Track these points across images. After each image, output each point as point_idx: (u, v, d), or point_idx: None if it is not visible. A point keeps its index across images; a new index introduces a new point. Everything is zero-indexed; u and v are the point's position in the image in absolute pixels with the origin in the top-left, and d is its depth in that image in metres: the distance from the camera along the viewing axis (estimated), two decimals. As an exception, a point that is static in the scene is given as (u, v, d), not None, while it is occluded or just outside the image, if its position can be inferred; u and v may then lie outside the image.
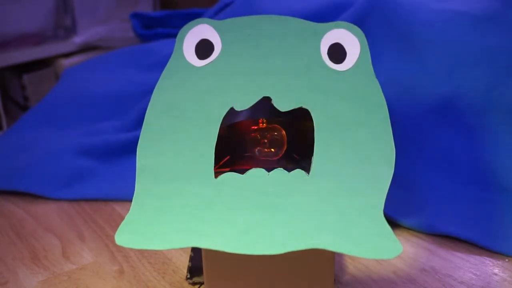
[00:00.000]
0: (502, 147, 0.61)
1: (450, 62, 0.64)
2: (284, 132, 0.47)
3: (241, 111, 0.43)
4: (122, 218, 0.39)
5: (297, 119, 0.46)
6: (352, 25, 0.43)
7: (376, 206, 0.38)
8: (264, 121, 0.48)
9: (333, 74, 0.42)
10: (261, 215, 0.38)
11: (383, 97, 0.42)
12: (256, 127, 0.45)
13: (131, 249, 0.54)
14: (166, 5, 1.23)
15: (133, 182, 0.40)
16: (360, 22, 0.69)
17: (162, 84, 0.43)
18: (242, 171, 0.41)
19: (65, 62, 1.05)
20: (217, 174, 0.41)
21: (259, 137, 0.44)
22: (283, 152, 0.47)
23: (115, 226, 0.58)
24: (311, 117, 0.42)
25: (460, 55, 0.64)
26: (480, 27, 0.64)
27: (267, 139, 0.48)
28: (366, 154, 0.40)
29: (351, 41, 0.43)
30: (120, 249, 0.55)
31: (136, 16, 1.03)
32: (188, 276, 0.49)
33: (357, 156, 0.40)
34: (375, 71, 0.43)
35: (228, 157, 0.45)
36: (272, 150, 0.48)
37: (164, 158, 0.41)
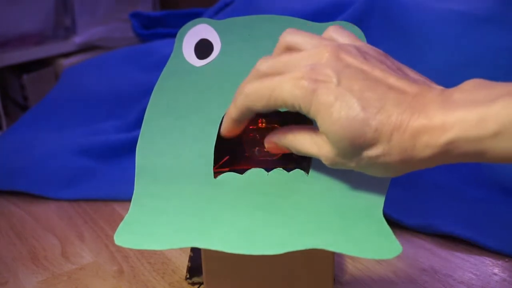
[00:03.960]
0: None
1: (451, 62, 0.64)
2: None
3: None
4: (122, 218, 0.38)
5: (297, 119, 0.46)
6: (352, 25, 0.43)
7: (376, 206, 0.38)
8: (263, 121, 0.47)
9: None
10: (261, 215, 0.38)
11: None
12: (255, 127, 0.45)
13: (131, 249, 0.54)
14: (166, 5, 1.23)
15: (133, 182, 0.40)
16: (360, 22, 0.69)
17: (162, 84, 0.43)
18: (241, 171, 0.41)
19: (65, 62, 1.05)
20: (217, 174, 0.41)
21: (259, 137, 0.44)
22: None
23: (115, 226, 0.58)
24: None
25: (460, 55, 0.64)
26: (481, 27, 0.64)
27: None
28: None
29: (351, 41, 0.43)
30: (120, 249, 0.55)
31: (135, 16, 1.03)
32: (188, 276, 0.49)
33: (357, 156, 0.40)
34: (375, 71, 0.43)
35: (227, 157, 0.44)
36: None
37: (164, 158, 0.41)
